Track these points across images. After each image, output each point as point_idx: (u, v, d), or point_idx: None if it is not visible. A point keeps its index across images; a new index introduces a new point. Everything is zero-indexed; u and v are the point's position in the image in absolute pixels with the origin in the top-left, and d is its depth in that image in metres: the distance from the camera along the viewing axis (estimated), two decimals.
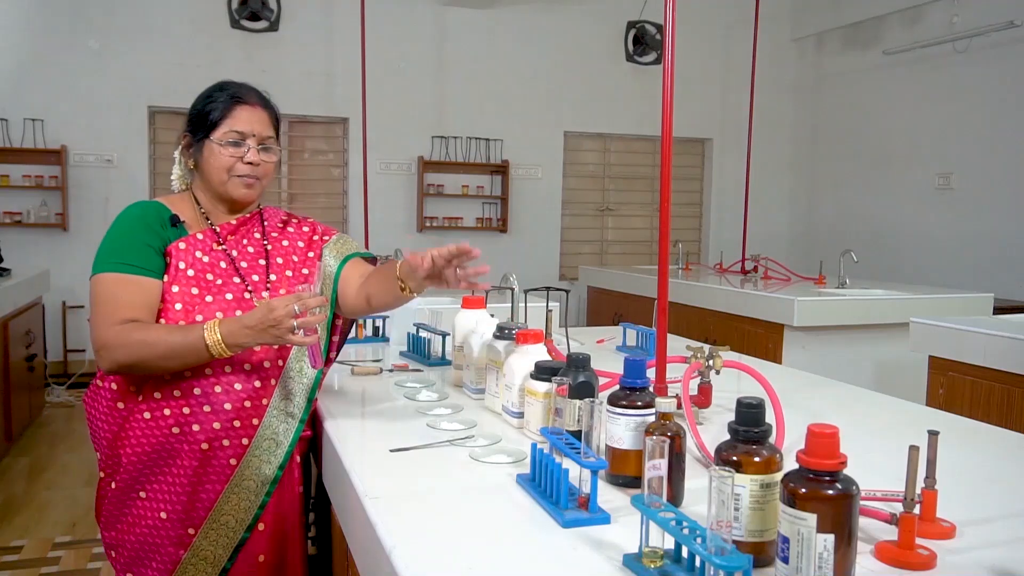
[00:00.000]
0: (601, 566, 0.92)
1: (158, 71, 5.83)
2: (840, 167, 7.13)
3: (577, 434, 1.11)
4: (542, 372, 1.39)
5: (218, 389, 1.47)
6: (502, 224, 6.85)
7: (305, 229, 1.68)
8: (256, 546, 1.52)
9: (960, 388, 2.69)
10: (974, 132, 5.88)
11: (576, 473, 1.09)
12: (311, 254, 1.64)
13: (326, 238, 1.68)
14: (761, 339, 3.96)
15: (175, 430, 1.45)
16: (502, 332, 1.63)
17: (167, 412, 1.45)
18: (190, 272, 1.49)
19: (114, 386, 1.49)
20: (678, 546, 0.91)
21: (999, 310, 4.03)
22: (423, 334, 2.12)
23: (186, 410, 1.45)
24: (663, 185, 1.35)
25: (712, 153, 7.46)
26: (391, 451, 1.33)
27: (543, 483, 1.12)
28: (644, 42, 7.06)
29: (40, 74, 5.65)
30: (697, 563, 0.87)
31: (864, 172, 6.86)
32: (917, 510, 0.97)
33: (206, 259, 1.52)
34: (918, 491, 0.98)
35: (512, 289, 1.97)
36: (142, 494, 1.48)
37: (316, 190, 6.53)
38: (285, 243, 1.64)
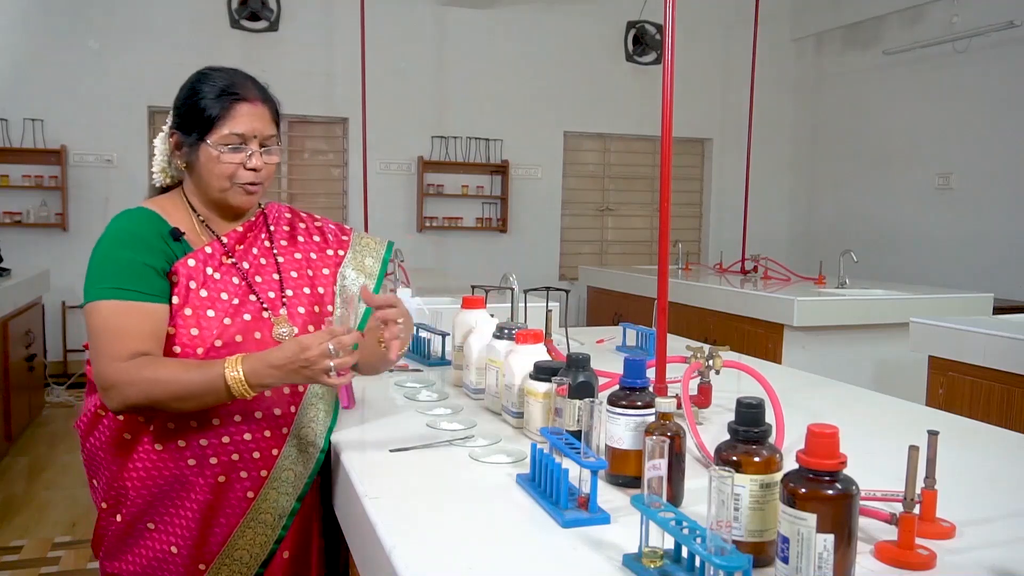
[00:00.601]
0: (601, 566, 0.92)
1: (158, 71, 5.83)
2: (840, 167, 7.13)
3: (577, 434, 1.11)
4: (542, 372, 1.39)
5: (238, 418, 1.35)
6: (502, 224, 6.85)
7: (316, 239, 1.53)
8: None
9: (960, 388, 2.69)
10: (974, 132, 5.88)
11: (576, 473, 1.09)
12: (326, 271, 1.50)
13: (341, 253, 1.53)
14: (761, 339, 3.96)
15: (191, 462, 1.33)
16: (502, 332, 1.63)
17: (182, 444, 1.33)
18: (203, 292, 1.35)
19: (120, 416, 1.33)
20: (678, 546, 0.91)
21: (999, 310, 4.03)
22: (423, 334, 2.12)
23: (203, 442, 1.33)
24: (663, 185, 1.35)
25: (712, 153, 7.47)
26: (391, 451, 1.33)
27: (543, 483, 1.12)
28: (644, 42, 7.06)
29: (40, 74, 5.65)
30: (697, 563, 0.87)
31: (864, 172, 6.86)
32: (917, 510, 0.97)
33: (218, 276, 1.38)
34: (918, 491, 0.98)
35: (512, 289, 1.97)
36: (150, 525, 1.36)
37: (316, 190, 6.53)
38: (298, 256, 1.49)
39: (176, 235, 1.37)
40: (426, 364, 2.06)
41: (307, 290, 1.46)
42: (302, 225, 1.54)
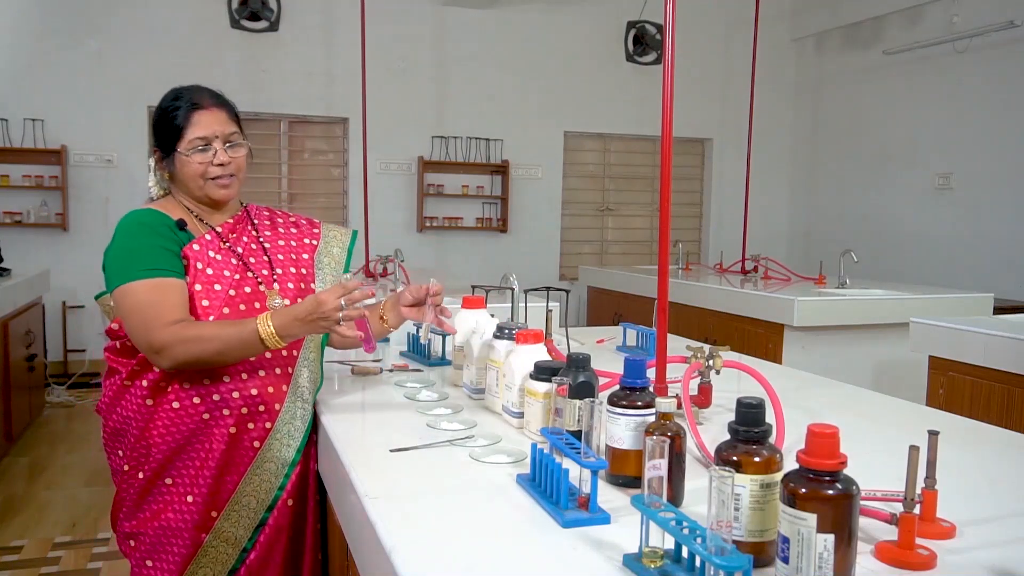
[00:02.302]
0: (601, 566, 0.92)
1: (158, 71, 5.83)
2: (840, 167, 7.13)
3: (577, 434, 1.11)
4: (542, 372, 1.39)
5: (244, 376, 1.55)
6: (502, 224, 6.85)
7: (293, 230, 1.76)
8: (276, 525, 1.59)
9: (960, 388, 2.69)
10: (974, 132, 5.88)
11: (576, 473, 1.09)
12: (305, 256, 1.73)
13: (315, 242, 1.76)
14: (761, 339, 3.96)
15: (205, 416, 1.52)
16: (502, 332, 1.63)
17: (196, 400, 1.52)
18: (209, 271, 1.56)
19: (145, 383, 1.53)
20: (678, 546, 0.91)
21: (999, 310, 4.03)
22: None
23: (216, 397, 1.52)
24: (663, 185, 1.35)
25: (712, 153, 7.47)
26: (391, 451, 1.33)
27: (543, 483, 1.12)
28: (644, 42, 7.06)
29: (40, 74, 5.66)
30: (697, 563, 0.87)
31: (864, 172, 6.86)
32: (917, 510, 0.97)
33: (219, 257, 1.59)
34: (918, 491, 0.98)
35: (512, 289, 1.97)
36: (167, 480, 1.53)
37: (316, 190, 6.53)
38: (280, 243, 1.71)
39: (181, 225, 1.58)
40: (426, 364, 2.06)
41: (292, 270, 1.69)
42: (279, 219, 1.77)
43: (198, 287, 1.54)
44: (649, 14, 6.94)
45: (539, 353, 1.50)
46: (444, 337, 2.09)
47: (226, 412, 1.53)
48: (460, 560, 0.93)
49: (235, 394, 1.54)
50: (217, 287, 1.56)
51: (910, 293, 4.12)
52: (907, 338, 2.94)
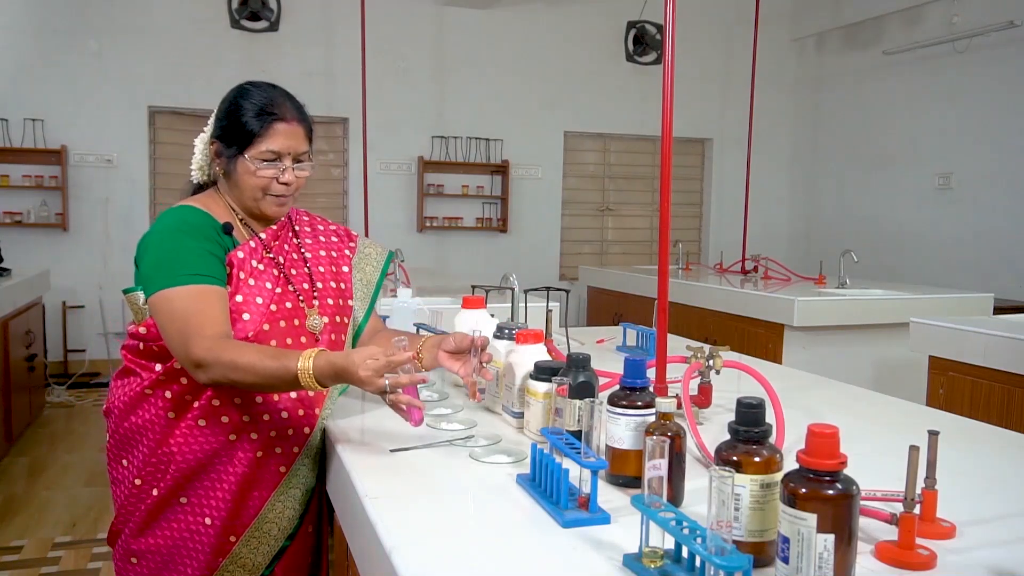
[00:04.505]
0: (601, 566, 0.92)
1: (158, 71, 5.84)
2: (840, 167, 7.13)
3: (577, 434, 1.11)
4: (542, 372, 1.39)
5: (276, 397, 1.47)
6: (502, 224, 6.85)
7: (334, 239, 1.68)
8: (296, 551, 1.53)
9: (960, 388, 2.69)
10: (974, 132, 5.88)
11: (576, 473, 1.09)
12: (345, 268, 1.66)
13: (351, 255, 1.68)
14: (761, 339, 3.96)
15: (232, 437, 1.44)
16: (502, 332, 1.63)
17: (225, 420, 1.43)
18: (251, 281, 1.47)
19: (168, 394, 1.44)
20: (678, 546, 0.91)
21: (999, 310, 4.02)
22: (423, 334, 2.12)
23: (246, 418, 1.44)
24: (663, 185, 1.35)
25: (712, 153, 7.47)
26: (391, 451, 1.33)
27: (543, 483, 1.12)
28: (644, 42, 7.06)
29: (40, 74, 5.65)
30: (697, 563, 0.87)
31: (864, 172, 6.86)
32: (917, 510, 0.97)
33: (261, 267, 1.50)
34: (918, 491, 0.98)
35: (512, 289, 1.97)
36: (183, 499, 1.44)
37: (316, 190, 6.53)
38: (322, 253, 1.64)
39: (228, 229, 1.48)
40: None
41: (332, 284, 1.61)
42: (320, 227, 1.69)
43: (239, 298, 1.44)
44: (649, 14, 6.94)
45: (539, 353, 1.50)
46: None
47: (253, 436, 1.45)
48: (460, 560, 0.93)
49: (265, 416, 1.45)
50: (259, 300, 1.47)
51: (910, 293, 4.12)
52: (907, 338, 2.94)
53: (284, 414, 1.47)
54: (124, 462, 1.49)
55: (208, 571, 1.44)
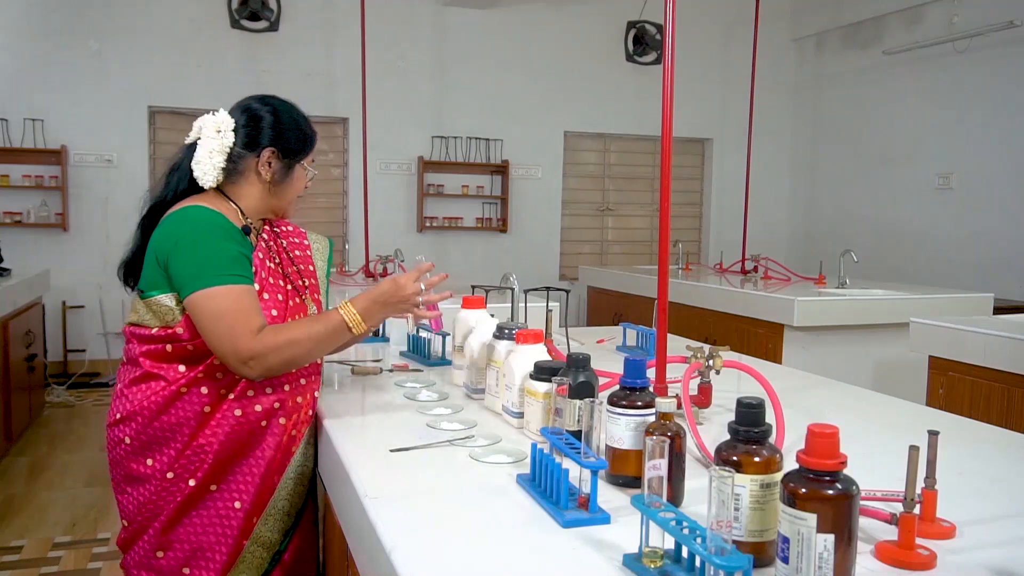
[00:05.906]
0: (601, 566, 0.92)
1: (158, 71, 5.84)
2: (840, 167, 7.13)
3: (577, 434, 1.11)
4: (542, 372, 1.39)
5: (303, 381, 1.57)
6: (502, 224, 6.85)
7: (295, 240, 1.77)
8: (305, 527, 1.64)
9: (960, 388, 2.69)
10: (974, 132, 5.88)
11: (576, 473, 1.09)
12: (312, 267, 1.75)
13: (310, 253, 1.78)
14: (761, 339, 3.96)
15: (263, 423, 1.52)
16: (502, 332, 1.63)
17: (258, 408, 1.51)
18: (270, 280, 1.58)
19: (204, 390, 1.48)
20: (678, 546, 0.91)
21: (999, 310, 4.03)
22: (423, 334, 2.12)
23: (277, 404, 1.53)
24: (663, 185, 1.35)
25: (712, 153, 7.47)
26: (391, 451, 1.33)
27: (543, 483, 1.12)
28: (644, 42, 7.06)
29: (40, 74, 5.65)
30: (697, 563, 0.87)
31: (864, 172, 6.86)
32: (917, 510, 0.97)
33: (271, 265, 1.61)
34: (918, 491, 0.98)
35: (512, 289, 1.97)
36: (212, 487, 1.50)
37: (316, 190, 6.52)
38: (297, 252, 1.73)
39: (246, 231, 1.56)
40: (426, 364, 2.06)
41: (312, 281, 1.71)
42: (289, 228, 1.77)
43: (266, 296, 1.55)
44: (649, 14, 6.94)
45: (539, 353, 1.50)
46: (444, 337, 2.09)
47: (283, 421, 1.53)
48: (460, 560, 0.93)
49: (299, 399, 1.56)
50: (280, 297, 1.58)
51: (910, 293, 4.12)
52: (907, 338, 2.94)
53: (299, 399, 1.56)
54: (149, 461, 1.50)
55: (236, 553, 1.50)
